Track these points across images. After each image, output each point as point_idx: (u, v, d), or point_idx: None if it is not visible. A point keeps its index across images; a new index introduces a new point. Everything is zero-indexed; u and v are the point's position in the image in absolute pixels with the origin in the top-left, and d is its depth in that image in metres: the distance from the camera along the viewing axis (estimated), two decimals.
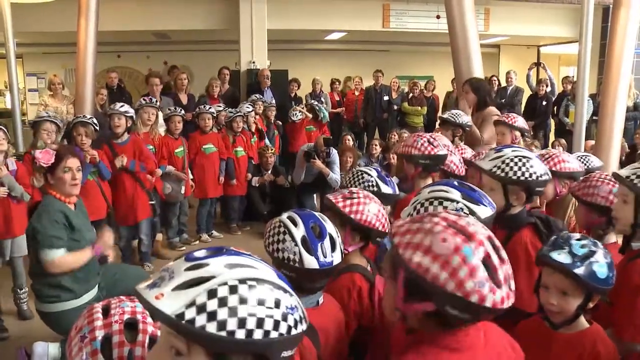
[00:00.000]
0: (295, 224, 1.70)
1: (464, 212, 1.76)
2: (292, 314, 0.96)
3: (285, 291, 0.97)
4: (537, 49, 12.52)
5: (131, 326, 1.21)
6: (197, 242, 6.05)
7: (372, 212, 2.03)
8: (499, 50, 12.80)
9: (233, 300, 0.90)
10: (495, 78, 9.45)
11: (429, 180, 2.94)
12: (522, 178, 2.15)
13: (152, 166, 5.16)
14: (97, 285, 3.23)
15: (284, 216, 1.74)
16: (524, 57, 11.49)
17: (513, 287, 1.17)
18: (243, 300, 0.91)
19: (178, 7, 8.56)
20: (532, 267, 2.12)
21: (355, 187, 2.53)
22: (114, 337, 1.18)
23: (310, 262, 1.66)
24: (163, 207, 5.75)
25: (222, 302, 0.90)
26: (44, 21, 8.02)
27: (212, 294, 0.91)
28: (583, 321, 1.73)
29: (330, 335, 1.74)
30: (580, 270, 1.61)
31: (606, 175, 2.47)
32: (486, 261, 1.14)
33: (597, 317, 1.98)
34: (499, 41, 11.80)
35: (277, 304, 0.94)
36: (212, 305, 0.90)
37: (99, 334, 1.17)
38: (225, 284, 0.92)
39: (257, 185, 6.49)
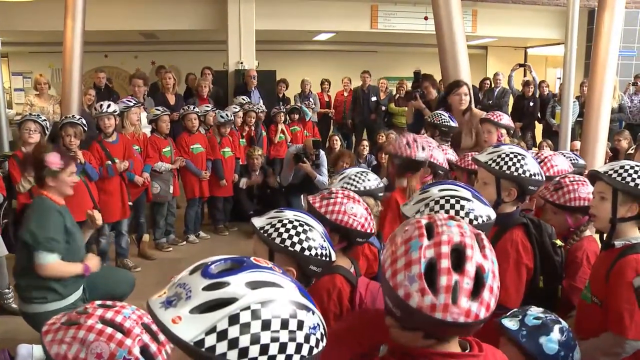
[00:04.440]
0: (311, 220, 1.72)
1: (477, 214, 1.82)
2: (315, 334, 0.92)
3: (308, 309, 0.94)
4: (524, 50, 12.62)
5: (148, 328, 1.22)
6: (184, 242, 6.03)
7: (350, 211, 2.00)
8: (487, 51, 12.89)
9: (255, 326, 0.87)
10: (488, 81, 9.52)
11: (404, 181, 2.99)
12: (516, 174, 2.17)
13: (139, 166, 5.25)
14: (82, 286, 3.21)
15: (292, 214, 1.72)
16: (511, 59, 11.56)
17: (466, 305, 1.09)
18: (266, 326, 0.87)
19: (166, 7, 8.52)
20: (521, 267, 2.16)
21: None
22: (151, 347, 1.18)
23: (333, 255, 1.73)
24: (151, 207, 5.74)
25: (244, 329, 0.86)
26: (30, 20, 7.93)
27: (233, 319, 0.87)
28: None
29: None
30: (525, 340, 1.59)
31: (574, 176, 2.54)
32: (434, 261, 1.11)
33: (588, 320, 2.01)
34: (486, 42, 11.88)
35: (300, 326, 0.90)
36: (233, 331, 0.86)
37: (137, 351, 1.17)
38: (248, 308, 0.88)
39: (244, 187, 6.48)
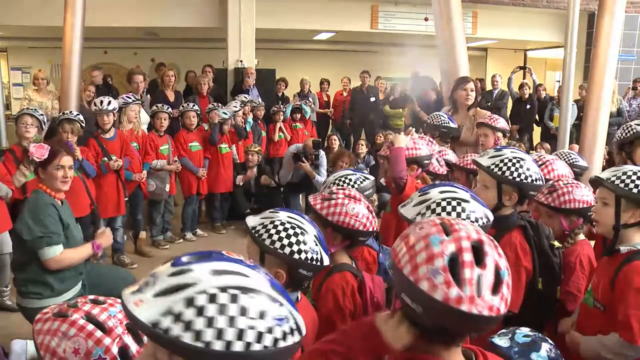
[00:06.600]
0: (305, 223, 1.71)
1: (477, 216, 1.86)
2: (281, 326, 0.90)
3: (275, 301, 0.92)
4: (524, 53, 12.63)
5: (131, 329, 1.20)
6: (182, 240, 6.02)
7: (351, 212, 2.02)
8: (486, 53, 12.90)
9: (211, 310, 0.86)
10: (480, 82, 9.50)
11: None
12: (518, 179, 2.18)
13: (137, 163, 5.24)
14: (80, 283, 3.20)
15: (286, 215, 1.70)
16: (510, 61, 11.57)
17: (489, 298, 1.09)
18: (222, 310, 0.86)
19: (166, 4, 8.50)
20: (520, 269, 2.16)
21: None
22: (131, 348, 1.15)
23: (326, 260, 1.70)
24: (147, 205, 5.73)
25: (199, 312, 0.86)
26: (30, 15, 7.92)
27: (189, 302, 0.87)
28: None
29: (309, 331, 1.75)
30: (517, 357, 1.62)
31: (567, 179, 2.55)
32: (455, 255, 1.10)
33: (591, 324, 2.01)
34: (486, 44, 11.88)
35: (262, 315, 0.89)
36: (189, 314, 0.86)
37: (115, 350, 1.15)
38: (205, 292, 0.87)
39: (241, 184, 6.48)
